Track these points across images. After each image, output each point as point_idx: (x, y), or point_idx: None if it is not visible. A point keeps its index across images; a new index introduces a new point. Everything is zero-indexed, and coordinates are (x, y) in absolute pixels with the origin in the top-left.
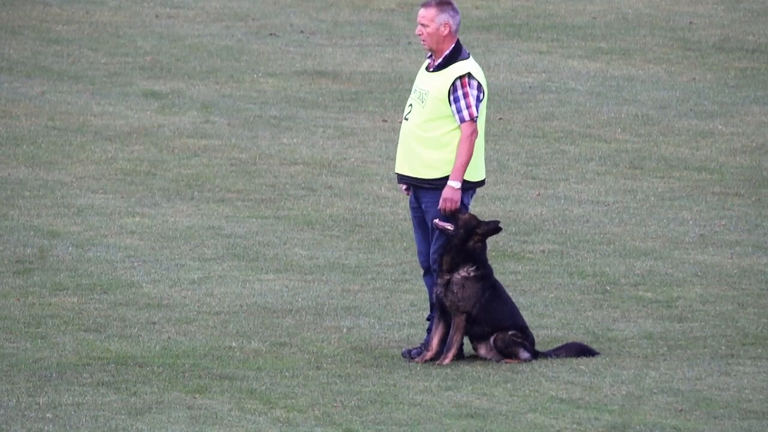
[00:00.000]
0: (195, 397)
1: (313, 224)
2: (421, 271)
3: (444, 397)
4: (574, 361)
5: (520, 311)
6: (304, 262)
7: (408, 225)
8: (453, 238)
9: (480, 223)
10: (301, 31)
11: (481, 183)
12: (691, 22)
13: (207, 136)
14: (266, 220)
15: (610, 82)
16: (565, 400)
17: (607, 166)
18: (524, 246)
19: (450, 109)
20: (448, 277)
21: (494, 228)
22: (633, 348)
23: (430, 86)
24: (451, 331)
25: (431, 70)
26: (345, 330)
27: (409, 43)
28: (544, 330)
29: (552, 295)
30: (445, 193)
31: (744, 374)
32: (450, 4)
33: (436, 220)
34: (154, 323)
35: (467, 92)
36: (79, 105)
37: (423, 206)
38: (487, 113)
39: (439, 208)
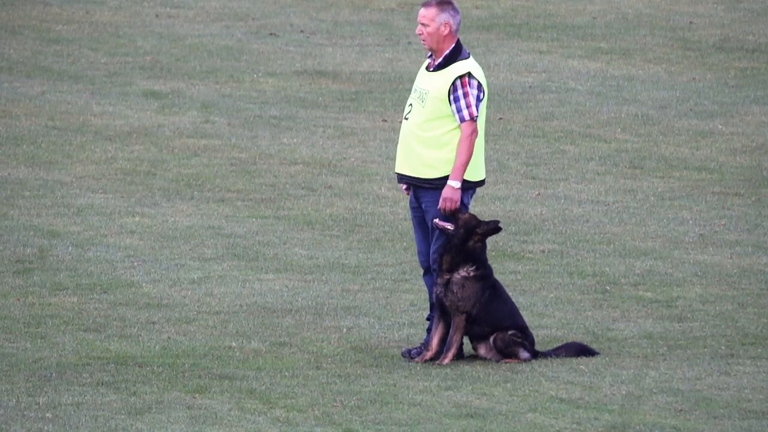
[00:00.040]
0: (195, 397)
1: (313, 224)
2: (421, 271)
3: (444, 397)
4: (574, 360)
5: (520, 311)
6: (304, 261)
7: (408, 225)
8: (453, 238)
9: (480, 222)
10: (301, 31)
11: (481, 183)
12: (691, 22)
13: (207, 136)
14: (266, 220)
15: (610, 82)
16: (565, 400)
17: (607, 165)
18: (524, 246)
19: (450, 109)
20: (448, 277)
21: (494, 228)
22: (633, 348)
23: (430, 86)
24: (450, 331)
25: (431, 69)
26: (345, 330)
27: (409, 43)
28: (544, 330)
29: (552, 295)
30: (445, 192)
31: (744, 374)
32: (450, 3)
33: (436, 220)
34: (154, 323)
35: (467, 92)
36: (79, 105)
37: (423, 206)
38: (487, 113)
39: (438, 207)
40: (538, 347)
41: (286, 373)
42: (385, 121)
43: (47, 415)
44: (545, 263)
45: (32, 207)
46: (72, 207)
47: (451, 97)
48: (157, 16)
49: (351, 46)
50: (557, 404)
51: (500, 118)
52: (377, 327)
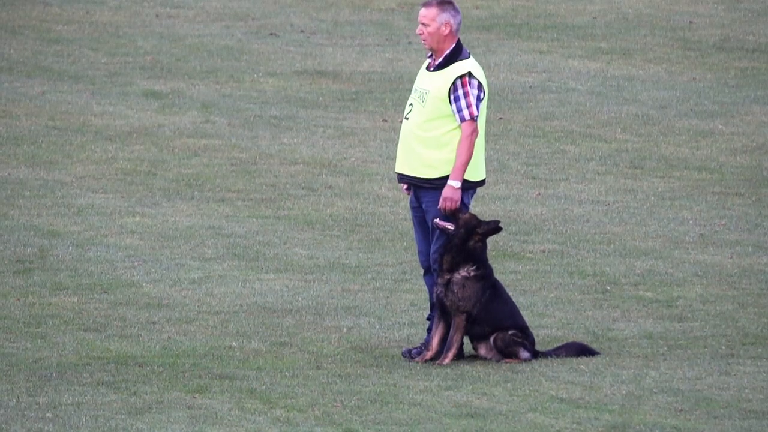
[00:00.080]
0: (195, 397)
1: (313, 224)
2: (422, 271)
3: (444, 397)
4: (574, 360)
5: (520, 311)
6: (304, 261)
7: (408, 225)
8: (453, 238)
9: (480, 222)
10: (302, 31)
11: (482, 183)
12: (691, 22)
13: (207, 136)
14: (266, 220)
15: (610, 82)
16: (565, 400)
17: (607, 165)
18: (524, 246)
19: (450, 109)
20: (448, 277)
21: (494, 228)
22: (633, 348)
23: (431, 86)
24: (451, 331)
25: (432, 69)
26: (345, 330)
27: (410, 43)
28: (544, 330)
29: (552, 294)
30: (445, 192)
31: (744, 374)
32: (451, 3)
33: (437, 220)
34: (154, 323)
35: (467, 91)
36: (79, 105)
37: (423, 206)
38: (487, 113)
39: (439, 207)
40: (538, 347)
41: (287, 373)
42: (386, 121)
43: (47, 415)
44: (545, 263)
45: (32, 207)
46: (72, 207)
47: (452, 97)
48: (157, 16)
49: (351, 46)
50: (557, 404)
51: (500, 118)
52: (377, 327)
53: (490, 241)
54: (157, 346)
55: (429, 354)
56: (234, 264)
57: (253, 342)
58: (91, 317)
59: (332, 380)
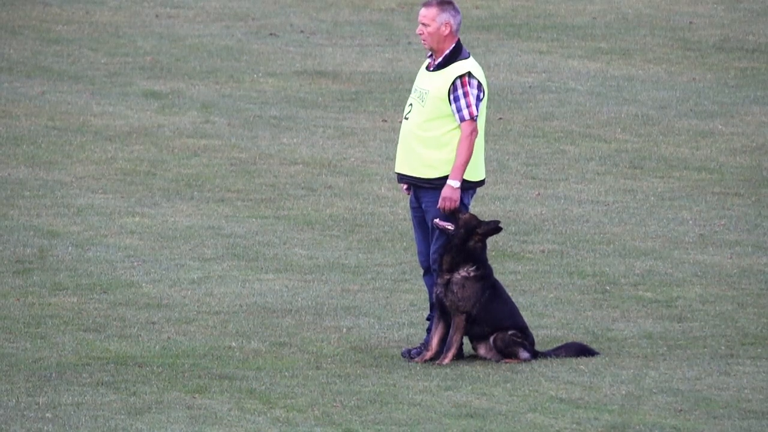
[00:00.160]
0: (195, 397)
1: (313, 224)
2: (421, 271)
3: (444, 397)
4: (574, 361)
5: (520, 311)
6: (303, 262)
7: (408, 225)
8: (453, 238)
9: (480, 222)
10: (301, 31)
11: (481, 183)
12: (691, 22)
13: (207, 136)
14: (266, 220)
15: (610, 82)
16: (564, 400)
17: (607, 166)
18: (524, 246)
19: (450, 109)
20: (448, 277)
21: (494, 228)
22: (633, 348)
23: (430, 85)
24: (450, 331)
25: (431, 69)
26: (345, 330)
27: (409, 43)
28: (544, 330)
29: (552, 295)
30: (445, 192)
31: (744, 374)
32: (451, 3)
33: (437, 220)
34: (153, 323)
35: (467, 91)
36: (79, 105)
37: (423, 206)
38: (487, 113)
39: (438, 207)
40: (538, 347)
41: (286, 373)
42: (385, 121)
43: (47, 415)
44: (545, 263)
45: (32, 207)
46: (72, 207)
47: (451, 97)
48: (157, 16)
49: (351, 46)
50: (557, 404)
51: (500, 118)
52: (377, 327)
53: (490, 241)
54: (157, 347)
55: (428, 354)
56: (234, 264)
57: (252, 342)
58: (90, 317)
59: (332, 380)
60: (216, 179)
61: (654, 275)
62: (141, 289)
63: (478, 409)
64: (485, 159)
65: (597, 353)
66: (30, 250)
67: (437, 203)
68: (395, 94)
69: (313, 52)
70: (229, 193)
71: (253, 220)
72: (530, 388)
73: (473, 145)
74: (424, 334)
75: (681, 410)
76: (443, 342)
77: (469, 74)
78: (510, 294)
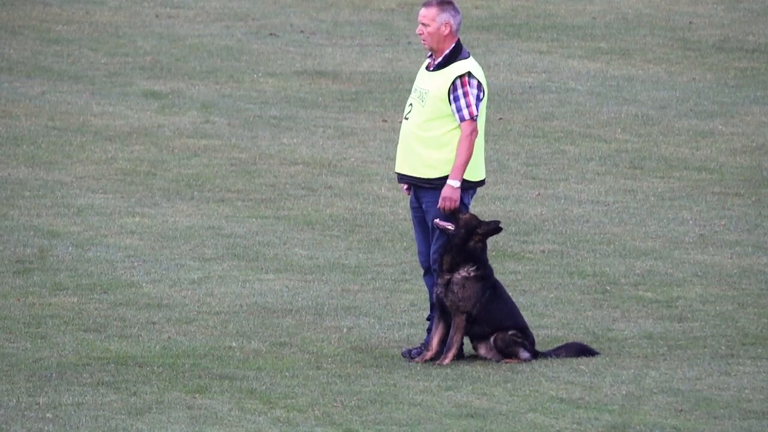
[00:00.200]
0: (195, 397)
1: (313, 224)
2: (421, 271)
3: (444, 397)
4: (574, 361)
5: (520, 311)
6: (304, 262)
7: (408, 225)
8: (453, 238)
9: (480, 223)
10: (301, 31)
11: (481, 183)
12: (691, 22)
13: (207, 136)
14: (266, 220)
15: (610, 82)
16: (565, 400)
17: (607, 166)
18: (524, 246)
19: (450, 109)
20: (448, 277)
21: (495, 228)
22: (633, 348)
23: (430, 85)
24: (451, 331)
25: (431, 69)
26: (345, 330)
27: (409, 43)
28: (544, 330)
29: (552, 295)
30: (445, 192)
31: (744, 374)
32: (451, 3)
33: (437, 220)
34: (154, 323)
35: (467, 91)
36: (79, 105)
37: (423, 206)
38: (487, 113)
39: (438, 207)
40: (538, 347)
41: (287, 373)
42: (385, 121)
43: (47, 415)
44: (545, 263)
45: (32, 207)
46: (72, 207)
47: (451, 97)
48: (157, 16)
49: (351, 46)
50: (557, 404)
51: (500, 119)
52: (377, 327)
53: (490, 241)
54: (157, 347)
55: (429, 354)
56: (234, 264)
57: (253, 342)
58: (91, 317)
59: (332, 380)
60: (216, 179)
61: (654, 275)
62: (141, 289)
63: (478, 409)
64: (485, 159)
65: (597, 353)
66: (30, 250)
67: (437, 203)
68: (395, 94)
69: (313, 52)
70: (230, 193)
71: (254, 220)
72: (531, 388)
73: (473, 145)
74: (425, 334)
75: (681, 410)
76: (443, 342)
77: (469, 74)
78: (510, 294)
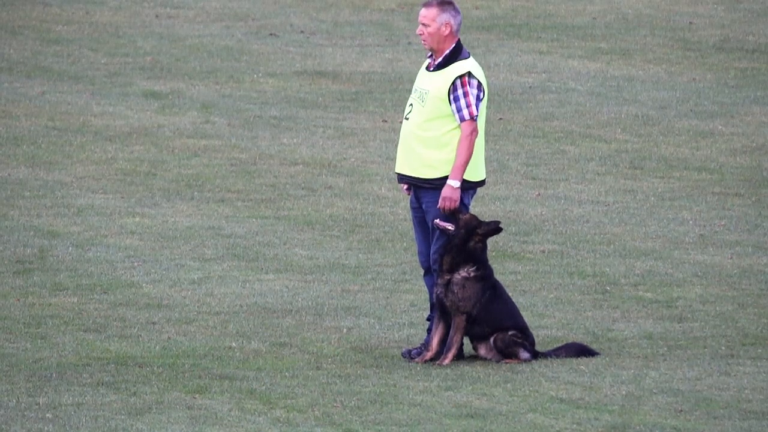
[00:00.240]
0: (195, 397)
1: (313, 224)
2: (422, 271)
3: (444, 398)
4: (574, 361)
5: (520, 311)
6: (304, 262)
7: (408, 225)
8: (454, 239)
9: (481, 223)
10: (301, 31)
11: (482, 183)
12: (691, 23)
13: (207, 137)
14: (266, 221)
15: (610, 83)
16: (565, 400)
17: (607, 166)
18: (524, 246)
19: (450, 109)
20: (448, 278)
21: (495, 228)
22: (633, 348)
23: (431, 85)
24: (451, 332)
25: (431, 69)
26: (345, 330)
27: (409, 43)
28: (544, 330)
29: (552, 295)
30: (445, 192)
31: (744, 374)
32: (451, 4)
33: (437, 220)
34: (154, 323)
35: (467, 91)
36: (79, 105)
37: (423, 206)
38: (487, 113)
39: (438, 207)
40: (538, 347)
41: (287, 373)
42: (385, 121)
43: (47, 415)
44: (545, 263)
45: (32, 207)
46: (72, 207)
47: (451, 97)
48: (157, 16)
49: (351, 46)
50: (557, 404)
51: (500, 119)
52: (377, 327)
53: (490, 241)
54: (157, 347)
55: (429, 354)
56: (234, 264)
57: (253, 342)
58: (91, 318)
59: (332, 381)
60: (216, 179)
61: (654, 275)
62: (141, 290)
63: (478, 410)
64: (485, 159)
65: (597, 353)
66: (30, 251)
67: (437, 203)
68: (395, 94)
69: (313, 52)
70: (230, 194)
71: (254, 220)
72: (530, 389)
73: (473, 145)
74: (425, 335)
75: (681, 410)
76: (443, 342)
77: (469, 74)
78: (510, 294)
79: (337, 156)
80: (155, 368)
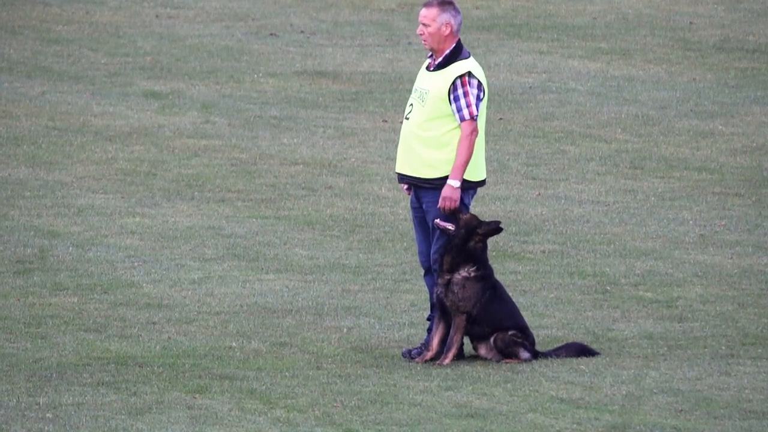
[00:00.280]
0: (195, 397)
1: (313, 224)
2: (422, 271)
3: (444, 397)
4: (575, 361)
5: (521, 311)
6: (304, 262)
7: (408, 225)
8: (454, 238)
9: (481, 223)
10: (302, 31)
11: (482, 183)
12: (691, 23)
13: (207, 137)
14: (266, 220)
15: (610, 83)
16: (565, 400)
17: (607, 166)
18: (524, 246)
19: (450, 108)
20: (448, 277)
21: (495, 228)
22: (633, 348)
23: (431, 85)
24: (451, 332)
25: (432, 69)
26: (345, 330)
27: (410, 43)
28: (545, 330)
29: (552, 295)
30: (445, 191)
31: (744, 374)
32: (451, 4)
33: (437, 220)
34: (154, 323)
35: (467, 91)
36: (79, 105)
37: (424, 206)
38: (487, 113)
39: (438, 206)
40: (538, 347)
41: (287, 373)
42: (386, 121)
43: (47, 415)
44: (546, 263)
45: (33, 207)
46: (72, 207)
47: (451, 97)
48: (157, 16)
49: (351, 46)
50: (557, 404)
51: (500, 119)
52: (377, 327)
53: (491, 241)
54: (157, 347)
55: (429, 354)
56: (234, 264)
57: (253, 342)
58: (91, 317)
59: (332, 380)
60: (216, 179)
61: (654, 275)
62: (141, 290)
63: (478, 410)
64: (486, 159)
65: (597, 353)
66: (30, 251)
67: (438, 203)
68: (395, 94)
69: (314, 52)
70: (230, 194)
71: (254, 220)
72: (531, 389)
73: (473, 144)
74: (425, 335)
75: (681, 410)
76: (444, 342)
77: (470, 74)
78: (510, 294)
79: (338, 156)
80: (155, 368)
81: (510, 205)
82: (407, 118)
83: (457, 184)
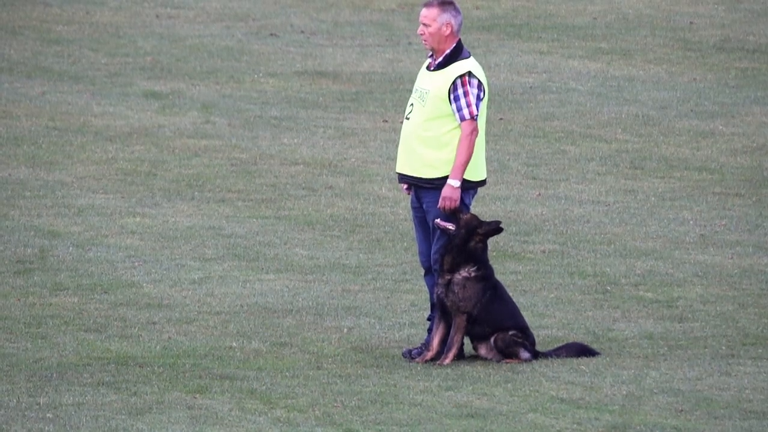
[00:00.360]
0: (195, 397)
1: (313, 224)
2: (422, 271)
3: (444, 397)
4: (575, 361)
5: (521, 311)
6: (304, 262)
7: (408, 225)
8: (454, 238)
9: (481, 223)
10: (302, 32)
11: (482, 183)
12: (691, 23)
13: (207, 137)
14: (267, 220)
15: (610, 83)
16: (565, 400)
17: (607, 166)
18: (525, 246)
19: (450, 108)
20: (449, 277)
21: (495, 228)
22: (633, 348)
23: (431, 85)
24: (451, 332)
25: (432, 69)
26: (345, 330)
27: (410, 43)
28: (545, 330)
29: (552, 295)
30: (445, 191)
31: (744, 374)
32: (452, 4)
33: (438, 220)
34: (154, 323)
35: (467, 91)
36: (79, 105)
37: (424, 206)
38: (487, 113)
39: (438, 206)
40: (538, 347)
41: (287, 373)
42: (386, 121)
43: (48, 415)
44: (546, 263)
45: (33, 207)
46: (72, 207)
47: (452, 96)
48: (157, 16)
49: (351, 46)
50: (558, 404)
51: (501, 119)
52: (378, 327)
53: (491, 241)
54: (158, 347)
55: (429, 354)
56: (234, 264)
57: (253, 342)
58: (91, 317)
59: (333, 380)
60: (216, 179)
61: (655, 275)
62: (142, 290)
63: (478, 410)
64: (486, 159)
65: (598, 353)
66: (31, 251)
67: (438, 203)
68: (396, 94)
69: (314, 52)
70: (230, 194)
71: (254, 220)
72: (531, 389)
73: (473, 144)
74: (425, 335)
75: (682, 410)
76: (444, 342)
77: (470, 74)
78: (511, 294)
79: (338, 156)
80: (156, 368)
81: (510, 205)
82: (407, 118)
83: (457, 183)
